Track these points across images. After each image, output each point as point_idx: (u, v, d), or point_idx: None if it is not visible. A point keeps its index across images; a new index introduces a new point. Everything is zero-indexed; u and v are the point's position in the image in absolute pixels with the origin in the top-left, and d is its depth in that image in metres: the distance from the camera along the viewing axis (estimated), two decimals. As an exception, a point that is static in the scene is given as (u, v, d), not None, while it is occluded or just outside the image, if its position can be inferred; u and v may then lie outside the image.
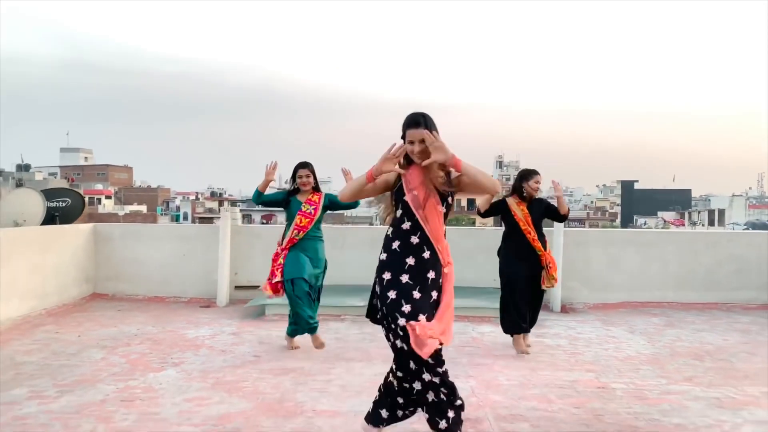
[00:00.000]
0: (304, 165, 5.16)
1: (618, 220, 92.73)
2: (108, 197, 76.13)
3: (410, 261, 2.91)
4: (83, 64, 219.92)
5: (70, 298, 7.35)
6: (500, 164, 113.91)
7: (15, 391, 4.01)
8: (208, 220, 75.52)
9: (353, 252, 7.65)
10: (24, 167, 69.61)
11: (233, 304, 7.50)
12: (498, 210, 5.31)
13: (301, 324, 5.07)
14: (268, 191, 5.21)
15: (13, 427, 3.42)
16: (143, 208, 71.79)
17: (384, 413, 3.06)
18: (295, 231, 5.03)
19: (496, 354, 5.18)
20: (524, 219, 5.17)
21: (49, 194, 7.96)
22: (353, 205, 4.93)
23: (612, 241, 7.87)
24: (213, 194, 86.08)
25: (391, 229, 3.03)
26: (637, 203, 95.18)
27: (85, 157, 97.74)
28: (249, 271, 7.88)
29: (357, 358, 4.92)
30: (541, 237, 5.26)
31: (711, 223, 73.80)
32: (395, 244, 2.96)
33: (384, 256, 2.98)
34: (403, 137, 2.97)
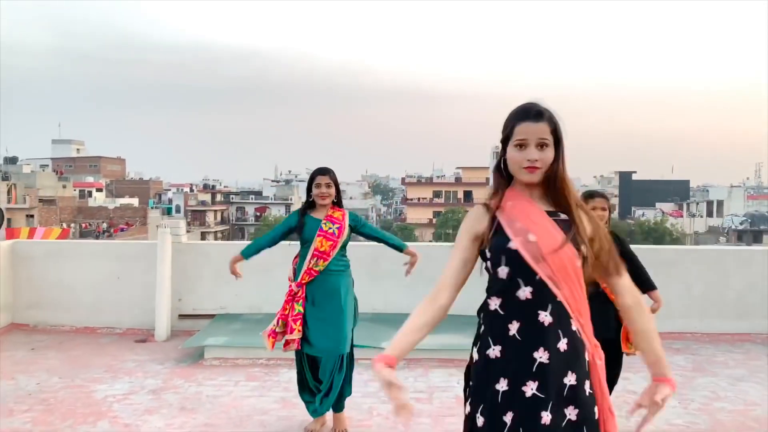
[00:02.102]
0: (324, 171, 3.81)
1: (616, 212, 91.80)
2: (99, 190, 74.83)
3: (541, 357, 1.75)
4: (75, 53, 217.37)
5: (-21, 332, 6.14)
6: (497, 155, 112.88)
7: None
8: (201, 213, 74.46)
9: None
10: (11, 160, 68.13)
11: (176, 336, 6.28)
12: None
13: (310, 404, 3.83)
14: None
15: None
16: (135, 201, 70.61)
17: None
18: (314, 259, 3.71)
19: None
20: None
21: (-44, 206, 6.72)
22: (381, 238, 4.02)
23: (626, 262, 6.65)
24: (206, 186, 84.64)
25: (497, 301, 1.83)
26: (635, 194, 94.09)
27: (77, 149, 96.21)
28: (196, 297, 6.65)
29: (299, 440, 3.71)
30: None
31: (710, 214, 73.07)
32: (513, 328, 1.78)
33: (496, 350, 1.80)
34: (508, 137, 1.86)
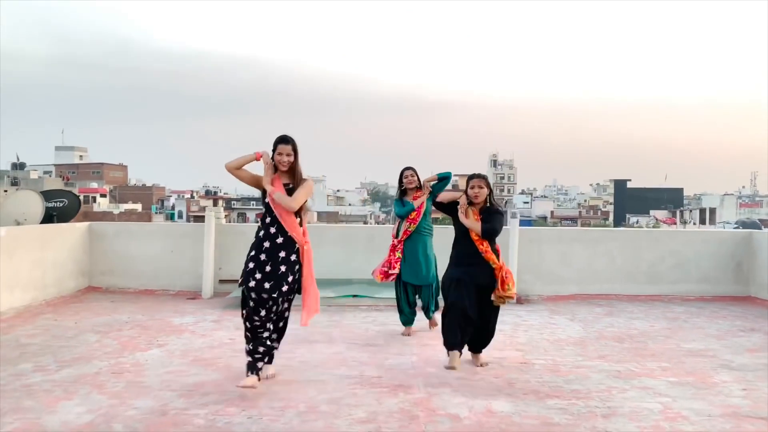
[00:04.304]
0: (409, 168, 6.06)
1: (610, 219, 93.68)
2: (103, 196, 76.59)
3: (266, 244, 4.15)
4: (77, 61, 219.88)
5: (68, 290, 8.03)
6: (494, 163, 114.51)
7: (21, 366, 4.71)
8: (202, 219, 76.36)
9: (328, 248, 8.31)
10: (19, 166, 70.14)
11: (217, 297, 8.18)
12: (450, 209, 4.93)
13: (402, 316, 5.99)
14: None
15: (21, 392, 4.12)
16: (138, 207, 72.30)
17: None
18: (407, 223, 5.84)
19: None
20: (474, 227, 4.70)
21: (47, 195, 8.64)
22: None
23: (561, 239, 8.58)
24: (207, 193, 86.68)
25: (260, 223, 4.24)
26: (629, 202, 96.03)
27: (80, 156, 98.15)
28: (232, 266, 8.54)
29: (321, 341, 5.63)
30: (494, 249, 4.80)
31: (702, 221, 74.81)
32: (261, 234, 4.20)
33: (255, 242, 4.21)
34: (274, 150, 4.16)
